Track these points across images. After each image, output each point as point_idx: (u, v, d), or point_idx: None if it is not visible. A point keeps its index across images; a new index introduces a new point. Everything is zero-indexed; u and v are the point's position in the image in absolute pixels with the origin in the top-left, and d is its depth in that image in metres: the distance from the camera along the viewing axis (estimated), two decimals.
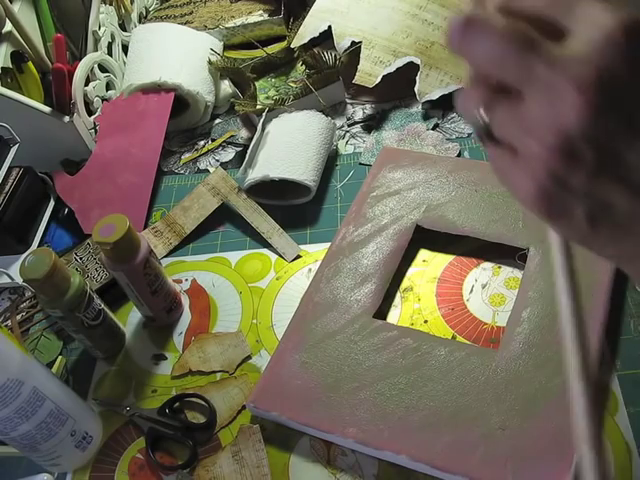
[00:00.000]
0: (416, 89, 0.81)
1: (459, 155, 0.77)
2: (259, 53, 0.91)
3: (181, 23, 0.97)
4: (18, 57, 0.81)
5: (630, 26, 0.22)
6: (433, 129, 0.81)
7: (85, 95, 0.84)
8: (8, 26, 0.83)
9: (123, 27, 0.99)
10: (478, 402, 0.53)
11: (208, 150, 0.88)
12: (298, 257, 0.71)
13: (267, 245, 0.73)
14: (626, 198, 0.24)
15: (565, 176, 0.24)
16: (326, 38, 0.88)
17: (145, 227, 0.78)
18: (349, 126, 0.86)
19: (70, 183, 0.83)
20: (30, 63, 0.82)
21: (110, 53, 0.93)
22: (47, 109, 0.81)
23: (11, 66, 0.82)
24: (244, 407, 0.60)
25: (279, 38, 0.95)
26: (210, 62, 0.89)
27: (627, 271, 0.27)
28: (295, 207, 0.76)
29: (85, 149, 0.85)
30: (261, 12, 0.96)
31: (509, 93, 0.25)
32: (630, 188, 0.23)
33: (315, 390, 0.57)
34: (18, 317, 0.73)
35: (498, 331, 0.60)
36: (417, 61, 0.81)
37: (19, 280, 0.73)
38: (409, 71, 0.82)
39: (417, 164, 0.73)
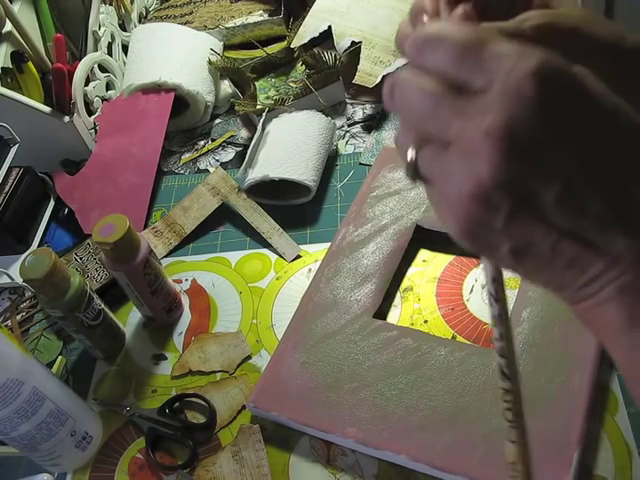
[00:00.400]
0: None
1: None
2: (259, 53, 0.91)
3: (181, 23, 0.97)
4: (18, 57, 0.81)
5: (539, 72, 0.23)
6: None
7: (85, 95, 0.84)
8: (8, 26, 0.83)
9: (123, 27, 0.99)
10: (478, 402, 0.53)
11: (208, 150, 0.88)
12: (298, 257, 0.71)
13: (267, 245, 0.73)
14: (545, 235, 0.25)
15: (484, 219, 0.25)
16: (326, 38, 0.88)
17: (145, 227, 0.78)
18: (349, 126, 0.86)
19: (70, 183, 0.83)
20: (30, 63, 0.82)
21: (110, 53, 0.93)
22: (47, 109, 0.81)
23: (11, 66, 0.82)
24: (244, 407, 0.60)
25: (279, 38, 0.95)
26: (210, 62, 0.89)
27: (559, 298, 0.29)
28: (295, 207, 0.76)
29: (85, 149, 0.85)
30: (261, 12, 0.96)
31: (437, 141, 0.26)
32: (548, 226, 0.25)
33: (315, 390, 0.57)
34: (18, 317, 0.74)
35: None
36: None
37: (19, 280, 0.73)
38: None
39: None
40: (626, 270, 0.25)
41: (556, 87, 0.23)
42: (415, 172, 0.27)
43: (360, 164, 0.80)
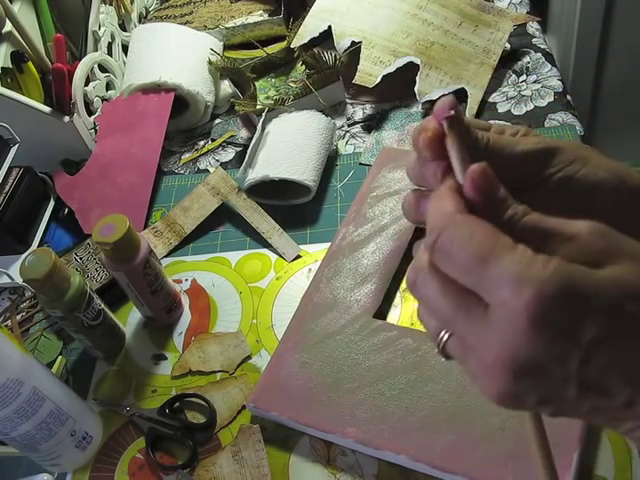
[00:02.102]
0: (416, 89, 0.81)
1: None
2: (259, 53, 0.91)
3: (181, 23, 0.97)
4: (18, 57, 0.81)
5: (531, 306, 0.24)
6: None
7: (85, 95, 0.84)
8: (8, 26, 0.83)
9: (123, 27, 0.99)
10: (478, 402, 0.53)
11: (208, 150, 0.88)
12: (298, 257, 0.71)
13: (267, 245, 0.73)
14: (570, 408, 0.28)
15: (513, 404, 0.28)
16: (326, 38, 0.88)
17: (145, 227, 0.78)
18: (349, 126, 0.86)
19: (70, 183, 0.83)
20: (30, 63, 0.82)
21: (110, 53, 0.93)
22: (47, 109, 0.81)
23: (11, 66, 0.82)
24: (244, 407, 0.60)
25: (279, 38, 0.95)
26: (210, 62, 0.89)
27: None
28: (295, 207, 0.76)
29: (85, 149, 0.85)
30: (261, 12, 0.96)
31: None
32: (572, 405, 0.27)
33: (315, 390, 0.57)
34: (18, 317, 0.74)
35: None
36: (417, 61, 0.81)
37: (19, 280, 0.73)
38: (409, 71, 0.82)
39: None
40: None
41: (550, 316, 0.25)
42: (444, 353, 0.30)
43: (360, 164, 0.80)
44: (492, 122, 0.36)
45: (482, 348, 0.27)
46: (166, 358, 0.66)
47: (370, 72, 0.83)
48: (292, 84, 0.89)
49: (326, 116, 0.78)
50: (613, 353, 0.25)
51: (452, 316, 0.28)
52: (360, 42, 0.84)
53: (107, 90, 0.90)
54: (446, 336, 0.29)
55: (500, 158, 0.32)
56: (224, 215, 0.77)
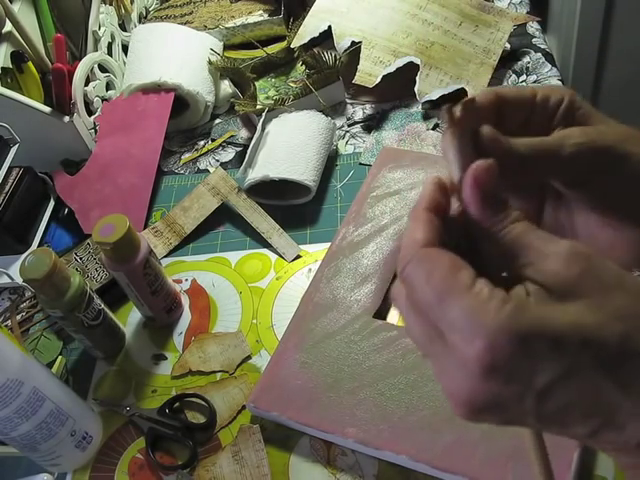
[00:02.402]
0: (416, 89, 0.81)
1: None
2: (259, 53, 0.91)
3: (181, 23, 0.97)
4: (18, 57, 0.81)
5: (485, 358, 0.25)
6: (433, 129, 0.81)
7: (85, 95, 0.84)
8: (8, 26, 0.83)
9: (123, 27, 0.99)
10: None
11: (208, 150, 0.88)
12: (298, 257, 0.71)
13: (267, 245, 0.73)
14: (531, 422, 0.27)
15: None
16: (326, 38, 0.88)
17: (145, 227, 0.78)
18: (349, 126, 0.86)
19: (70, 183, 0.83)
20: (30, 63, 0.82)
21: (110, 53, 0.93)
22: (47, 109, 0.81)
23: (11, 66, 0.82)
24: (244, 407, 0.60)
25: (279, 38, 0.95)
26: (210, 62, 0.89)
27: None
28: (295, 207, 0.76)
29: (85, 149, 0.85)
30: (261, 12, 0.96)
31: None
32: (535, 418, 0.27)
33: (315, 390, 0.57)
34: (18, 317, 0.74)
35: None
36: (417, 61, 0.81)
37: (19, 280, 0.73)
38: (409, 71, 0.82)
39: (417, 164, 0.73)
40: None
41: (500, 364, 0.25)
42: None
43: (360, 164, 0.80)
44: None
45: (445, 379, 0.27)
46: (166, 358, 0.66)
47: (370, 72, 0.83)
48: (292, 84, 0.89)
49: (326, 116, 0.78)
50: (568, 394, 0.25)
51: (423, 343, 0.28)
52: (360, 42, 0.84)
53: (107, 90, 0.90)
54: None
55: (542, 165, 0.31)
56: (224, 215, 0.77)
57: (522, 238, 0.27)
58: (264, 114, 0.80)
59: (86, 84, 0.85)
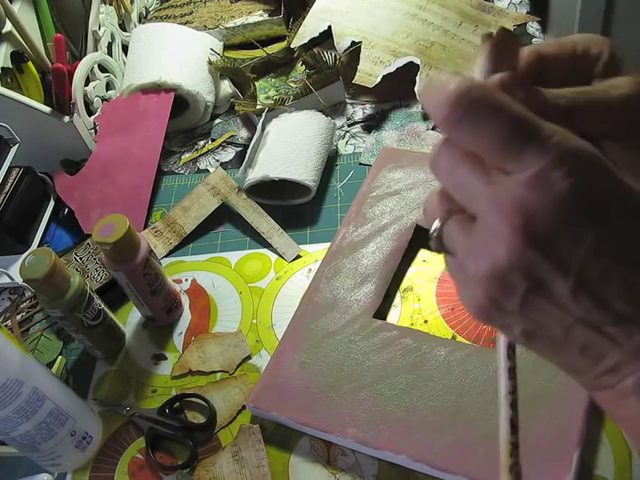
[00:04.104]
0: (416, 89, 0.81)
1: None
2: (259, 53, 0.91)
3: (181, 23, 0.97)
4: (18, 57, 0.81)
5: (567, 165, 0.23)
6: (433, 129, 0.81)
7: (85, 95, 0.84)
8: (8, 26, 0.83)
9: (123, 27, 0.99)
10: (478, 402, 0.53)
11: (208, 150, 0.88)
12: (298, 257, 0.71)
13: (267, 245, 0.73)
14: (559, 321, 0.26)
15: (499, 300, 0.26)
16: (326, 38, 0.88)
17: (145, 227, 0.78)
18: (349, 126, 0.86)
19: (70, 183, 0.83)
20: (30, 63, 0.82)
21: (110, 53, 0.93)
22: (47, 109, 0.81)
23: (11, 66, 0.82)
24: (244, 407, 0.60)
25: (279, 38, 0.95)
26: (210, 62, 0.89)
27: (578, 382, 0.29)
28: (295, 207, 0.76)
29: (85, 149, 0.85)
30: (261, 12, 0.96)
31: (464, 213, 0.27)
32: (563, 312, 0.25)
33: (315, 390, 0.57)
34: (18, 317, 0.74)
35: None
36: (417, 61, 0.81)
37: (19, 280, 0.73)
38: (409, 71, 0.82)
39: (417, 164, 0.73)
40: None
41: (582, 182, 0.23)
42: (439, 243, 0.28)
43: (360, 164, 0.80)
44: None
45: (495, 211, 0.25)
46: (166, 358, 0.66)
47: (370, 72, 0.83)
48: (292, 84, 0.89)
49: (326, 116, 0.78)
50: (614, 255, 0.24)
51: (471, 180, 0.26)
52: (360, 42, 0.84)
53: (107, 90, 0.90)
54: (445, 224, 0.28)
55: (585, 117, 0.28)
56: (224, 215, 0.77)
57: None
58: (264, 114, 0.80)
59: (86, 84, 0.85)
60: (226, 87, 0.93)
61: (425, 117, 0.83)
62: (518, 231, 0.24)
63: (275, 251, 0.72)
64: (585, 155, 0.24)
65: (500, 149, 0.25)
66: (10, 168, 0.77)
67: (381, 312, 0.63)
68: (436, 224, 0.28)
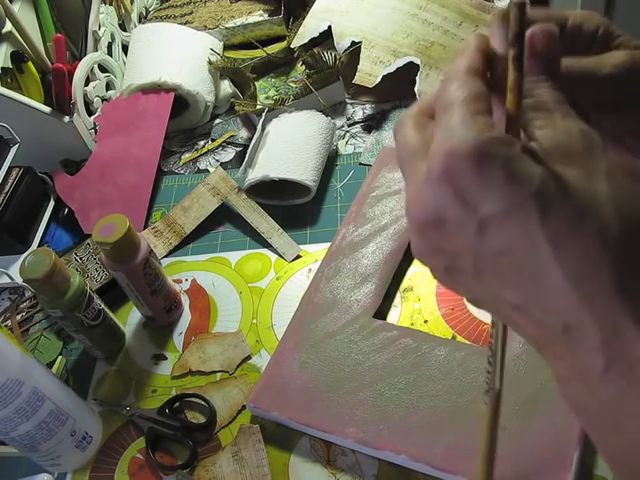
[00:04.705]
0: (416, 89, 0.81)
1: None
2: (259, 53, 0.91)
3: (181, 23, 0.97)
4: (18, 57, 0.81)
5: (447, 162, 0.26)
6: None
7: (85, 95, 0.84)
8: (8, 26, 0.83)
9: (123, 27, 0.99)
10: (478, 402, 0.53)
11: (208, 150, 0.88)
12: (298, 257, 0.71)
13: (267, 245, 0.73)
14: (467, 251, 0.28)
15: (428, 238, 0.29)
16: (326, 38, 0.88)
17: (145, 227, 0.78)
18: (349, 126, 0.86)
19: (70, 183, 0.83)
20: (30, 63, 0.82)
21: (110, 53, 0.93)
22: (47, 109, 0.81)
23: (11, 66, 0.82)
24: (244, 407, 0.60)
25: (279, 38, 0.95)
26: (210, 62, 0.89)
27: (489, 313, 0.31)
28: (295, 207, 0.76)
29: (85, 149, 0.85)
30: (261, 12, 0.96)
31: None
32: (469, 243, 0.27)
33: (315, 390, 0.57)
34: (18, 317, 0.74)
35: None
36: (417, 61, 0.81)
37: (19, 280, 0.73)
38: (409, 71, 0.82)
39: None
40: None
41: (455, 174, 0.26)
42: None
43: (360, 164, 0.80)
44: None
45: (409, 185, 0.29)
46: (166, 358, 0.66)
47: (370, 72, 0.83)
48: (292, 84, 0.89)
49: (326, 116, 0.78)
50: (505, 237, 0.26)
51: (411, 152, 0.29)
52: (360, 42, 0.84)
53: (107, 90, 0.90)
54: None
55: (581, 85, 0.30)
56: (224, 215, 0.77)
57: (547, 103, 0.27)
58: (264, 114, 0.80)
59: (86, 84, 0.85)
60: (226, 87, 0.93)
61: None
62: (412, 217, 0.28)
63: (275, 251, 0.72)
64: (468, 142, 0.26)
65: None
66: (10, 168, 0.77)
67: (381, 312, 0.63)
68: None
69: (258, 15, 0.96)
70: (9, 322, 0.73)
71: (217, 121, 0.91)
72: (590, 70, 0.30)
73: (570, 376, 0.27)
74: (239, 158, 0.85)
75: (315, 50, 0.86)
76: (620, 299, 0.25)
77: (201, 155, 0.87)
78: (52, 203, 0.83)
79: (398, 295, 0.65)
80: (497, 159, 0.25)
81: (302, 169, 0.73)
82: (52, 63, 0.83)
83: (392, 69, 0.82)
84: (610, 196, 0.25)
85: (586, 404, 0.27)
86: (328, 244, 0.69)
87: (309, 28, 0.88)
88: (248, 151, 0.77)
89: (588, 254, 0.25)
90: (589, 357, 0.26)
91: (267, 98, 0.88)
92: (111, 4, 0.95)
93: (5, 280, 0.74)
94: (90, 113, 0.86)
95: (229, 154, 0.87)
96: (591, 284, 0.25)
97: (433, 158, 0.26)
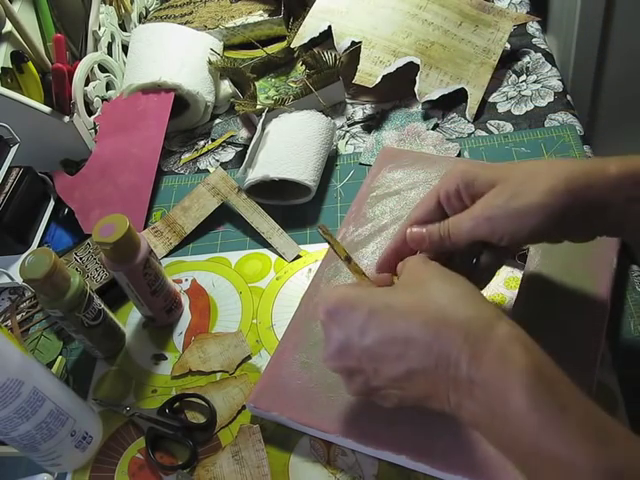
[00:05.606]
0: (416, 89, 0.81)
1: (459, 155, 0.77)
2: (259, 53, 0.91)
3: (181, 23, 0.97)
4: (18, 57, 0.81)
5: (325, 310, 0.49)
6: (433, 129, 0.81)
7: (85, 95, 0.84)
8: (8, 26, 0.84)
9: (123, 27, 0.99)
10: None
11: (208, 150, 0.88)
12: (298, 257, 0.71)
13: (267, 245, 0.73)
14: (383, 390, 0.46)
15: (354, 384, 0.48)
16: (326, 38, 0.88)
17: (145, 227, 0.78)
18: (349, 126, 0.86)
19: (70, 183, 0.83)
20: (30, 63, 0.82)
21: (110, 53, 0.93)
22: (47, 109, 0.81)
23: (11, 66, 0.82)
24: (244, 407, 0.60)
25: (279, 38, 0.95)
26: (210, 62, 0.89)
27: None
28: (295, 207, 0.76)
29: (85, 149, 0.85)
30: (261, 12, 0.96)
31: None
32: (374, 384, 0.46)
33: (315, 390, 0.57)
34: (18, 317, 0.74)
35: None
36: (417, 61, 0.81)
37: (19, 280, 0.73)
38: (409, 71, 0.82)
39: (417, 164, 0.73)
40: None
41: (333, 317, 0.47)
42: None
43: (360, 164, 0.80)
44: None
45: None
46: (166, 358, 0.66)
47: (370, 72, 0.83)
48: (292, 84, 0.89)
49: (326, 116, 0.78)
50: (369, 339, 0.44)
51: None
52: (360, 42, 0.84)
53: (107, 90, 0.90)
54: None
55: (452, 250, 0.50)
56: (224, 215, 0.77)
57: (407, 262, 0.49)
58: (264, 114, 0.80)
59: (86, 84, 0.85)
60: (226, 87, 0.93)
61: (425, 117, 0.83)
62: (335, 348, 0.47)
63: (275, 251, 0.72)
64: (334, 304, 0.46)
65: None
66: (10, 168, 0.77)
67: None
68: None
69: (258, 15, 0.96)
70: (9, 322, 0.73)
71: (217, 121, 0.91)
72: (449, 246, 0.49)
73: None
74: (239, 158, 0.85)
75: (315, 50, 0.86)
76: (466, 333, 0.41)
77: (201, 155, 0.87)
78: (52, 203, 0.83)
79: None
80: (340, 302, 0.46)
81: (302, 169, 0.73)
82: (52, 63, 0.83)
83: (392, 69, 0.82)
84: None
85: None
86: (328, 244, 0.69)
87: (309, 28, 0.88)
88: (248, 151, 0.77)
89: None
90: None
91: (267, 98, 0.88)
92: (111, 4, 0.95)
93: (5, 280, 0.74)
94: (90, 113, 0.86)
95: (229, 154, 0.87)
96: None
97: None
